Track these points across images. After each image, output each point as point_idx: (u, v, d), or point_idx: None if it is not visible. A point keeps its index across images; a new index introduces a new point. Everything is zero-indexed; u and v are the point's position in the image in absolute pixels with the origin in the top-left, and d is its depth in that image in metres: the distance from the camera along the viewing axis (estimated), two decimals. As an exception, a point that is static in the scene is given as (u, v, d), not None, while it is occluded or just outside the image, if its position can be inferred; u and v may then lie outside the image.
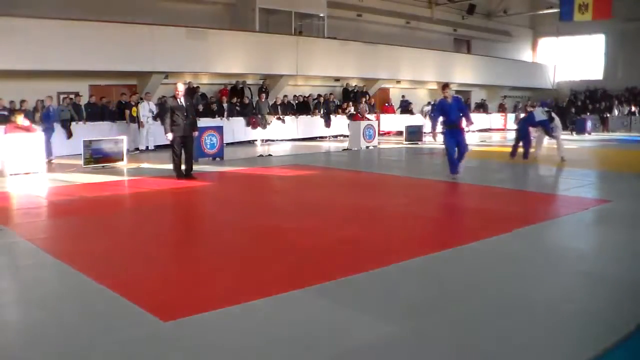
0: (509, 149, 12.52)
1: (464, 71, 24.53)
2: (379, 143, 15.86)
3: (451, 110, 9.07)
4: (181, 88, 9.16)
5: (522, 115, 24.90)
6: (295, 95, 19.30)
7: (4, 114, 12.69)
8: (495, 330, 3.17)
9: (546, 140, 12.47)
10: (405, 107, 22.10)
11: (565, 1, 21.70)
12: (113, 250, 4.90)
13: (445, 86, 9.39)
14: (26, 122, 10.25)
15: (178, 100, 9.01)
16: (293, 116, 18.16)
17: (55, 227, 6.01)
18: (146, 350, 2.92)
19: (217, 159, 12.10)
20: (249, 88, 18.02)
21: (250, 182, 9.46)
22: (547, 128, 11.69)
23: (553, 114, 11.61)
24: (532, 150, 12.08)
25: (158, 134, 14.70)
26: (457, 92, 26.71)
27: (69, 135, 13.21)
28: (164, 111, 9.06)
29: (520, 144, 12.11)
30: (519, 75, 27.33)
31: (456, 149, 9.12)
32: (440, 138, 11.25)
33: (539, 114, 11.77)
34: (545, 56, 30.47)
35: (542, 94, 29.00)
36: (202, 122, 14.55)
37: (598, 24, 24.79)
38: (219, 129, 12.42)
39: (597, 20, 22.08)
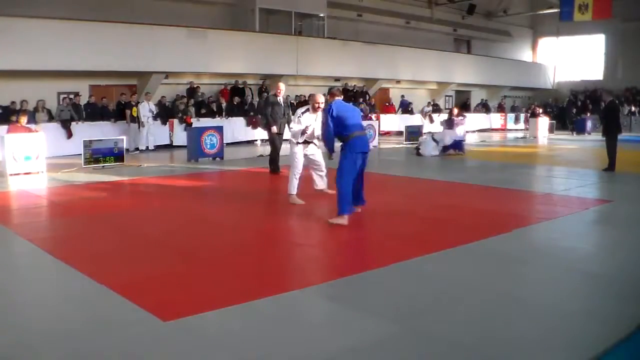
0: (510, 149, 13.42)
1: (463, 71, 24.51)
2: (379, 143, 15.84)
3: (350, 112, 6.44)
4: (283, 87, 9.72)
5: (522, 114, 25.30)
6: (296, 95, 19.29)
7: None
8: (494, 330, 3.17)
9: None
10: (405, 107, 22.09)
11: (565, 1, 21.69)
12: (113, 250, 4.90)
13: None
14: (31, 125, 10.39)
15: (278, 98, 9.54)
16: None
17: (55, 227, 6.01)
18: (146, 350, 2.92)
19: (217, 158, 12.08)
20: (249, 88, 18.01)
21: (250, 182, 9.45)
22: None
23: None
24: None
25: (158, 134, 14.74)
26: (457, 92, 26.85)
27: (69, 135, 13.21)
28: (266, 106, 9.66)
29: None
30: (519, 75, 27.31)
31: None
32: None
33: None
34: (545, 56, 30.44)
35: (542, 94, 29.01)
36: (202, 122, 14.60)
37: (598, 24, 24.77)
38: (219, 129, 12.39)
39: (597, 20, 22.07)
